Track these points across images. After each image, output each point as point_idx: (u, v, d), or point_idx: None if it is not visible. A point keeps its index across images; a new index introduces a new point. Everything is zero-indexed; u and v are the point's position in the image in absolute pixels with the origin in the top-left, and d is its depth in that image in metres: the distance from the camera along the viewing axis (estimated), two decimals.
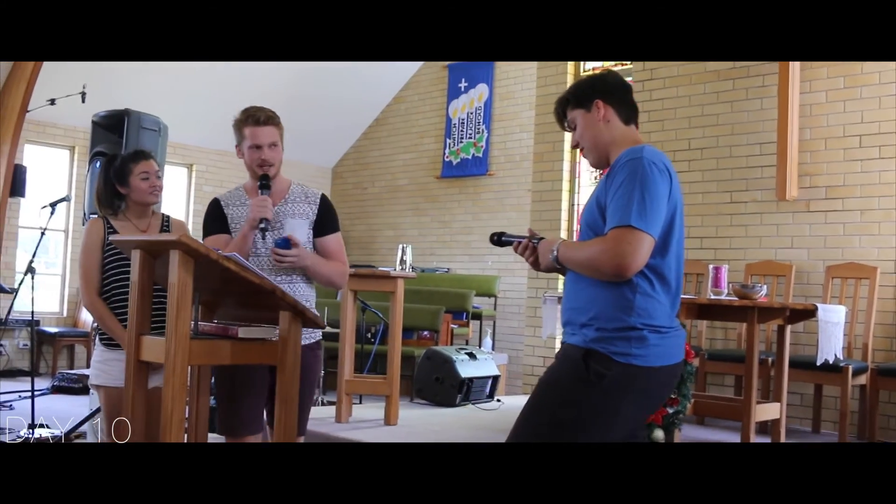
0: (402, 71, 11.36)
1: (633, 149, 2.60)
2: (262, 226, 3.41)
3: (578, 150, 2.79)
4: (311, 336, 3.55)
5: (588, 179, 8.75)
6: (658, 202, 2.50)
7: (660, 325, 2.56)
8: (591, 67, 9.04)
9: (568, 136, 8.58)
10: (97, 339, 3.87)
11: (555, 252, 2.66)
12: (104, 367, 3.79)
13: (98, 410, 4.32)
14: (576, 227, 8.65)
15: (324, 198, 3.66)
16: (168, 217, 4.01)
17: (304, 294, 3.54)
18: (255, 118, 3.48)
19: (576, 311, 2.63)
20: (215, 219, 3.59)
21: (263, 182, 3.48)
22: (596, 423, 2.53)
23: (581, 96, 2.73)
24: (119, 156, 3.97)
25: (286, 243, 3.41)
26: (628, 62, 8.57)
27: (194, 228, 8.42)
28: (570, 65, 8.72)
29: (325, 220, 3.61)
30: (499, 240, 2.93)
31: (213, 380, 3.62)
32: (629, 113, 2.74)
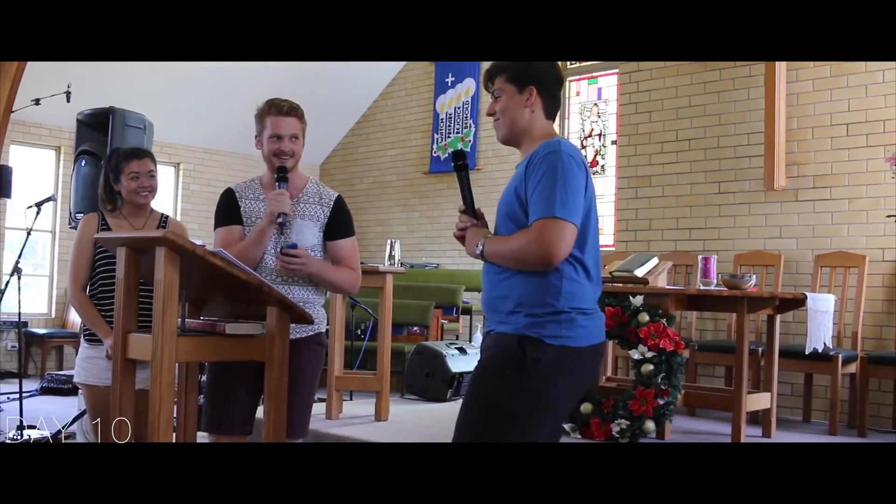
0: (388, 67, 11.32)
1: (551, 142, 2.66)
2: (280, 220, 3.29)
3: (492, 119, 2.82)
4: (305, 330, 3.43)
5: None
6: (577, 193, 2.57)
7: (585, 308, 2.63)
8: (576, 64, 9.04)
9: (557, 126, 8.63)
10: (82, 336, 3.86)
11: (480, 246, 2.73)
12: (86, 364, 3.79)
13: (86, 411, 4.30)
14: None
15: (339, 200, 3.53)
16: (167, 217, 3.97)
17: (301, 297, 3.42)
18: (278, 107, 3.38)
19: (501, 299, 2.67)
20: (229, 208, 3.45)
21: (280, 174, 3.35)
22: (540, 408, 2.58)
23: (519, 75, 2.76)
24: (117, 150, 3.95)
25: (292, 248, 3.30)
26: None
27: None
28: None
29: (338, 224, 3.49)
30: (459, 168, 2.89)
31: (202, 377, 3.59)
32: (553, 109, 2.82)
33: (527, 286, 2.61)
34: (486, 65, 2.87)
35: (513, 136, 2.80)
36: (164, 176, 11.14)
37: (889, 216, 6.18)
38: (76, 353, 3.99)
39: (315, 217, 3.46)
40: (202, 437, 3.60)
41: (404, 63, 11.23)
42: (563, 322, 2.58)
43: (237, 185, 3.53)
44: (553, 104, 2.81)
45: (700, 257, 5.56)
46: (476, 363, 2.78)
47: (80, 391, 5.10)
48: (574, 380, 2.66)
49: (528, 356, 2.56)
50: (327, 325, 3.84)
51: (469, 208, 2.86)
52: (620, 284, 5.53)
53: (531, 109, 2.76)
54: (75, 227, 5.69)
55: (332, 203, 3.50)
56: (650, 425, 5.10)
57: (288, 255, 3.28)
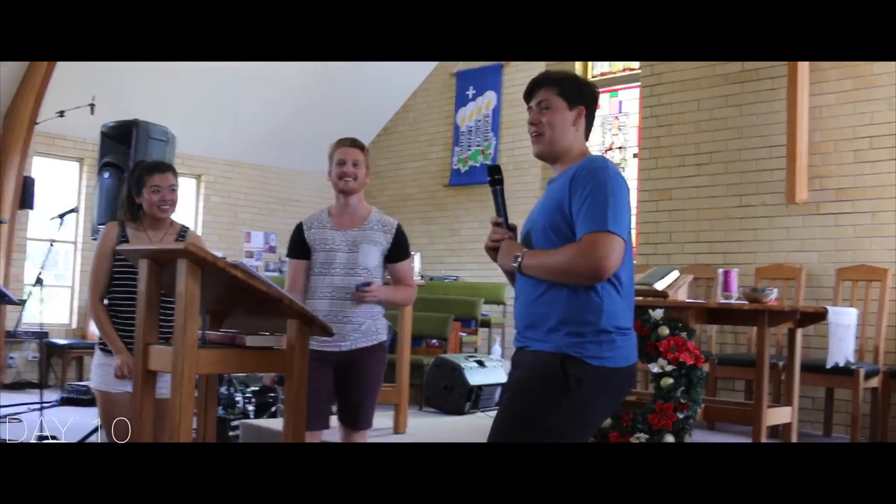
0: (409, 79, 11.36)
1: (596, 158, 2.72)
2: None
3: (531, 130, 2.83)
4: (370, 339, 3.98)
5: None
6: (625, 211, 2.62)
7: (624, 327, 2.67)
8: (598, 72, 9.04)
9: None
10: (96, 343, 3.90)
11: (519, 259, 2.71)
12: (99, 370, 3.85)
13: None
14: None
15: (399, 228, 4.07)
16: (186, 229, 4.02)
17: (369, 310, 3.96)
18: (343, 141, 3.97)
19: (540, 315, 2.67)
20: (296, 242, 3.98)
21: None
22: (579, 426, 2.65)
23: (572, 92, 2.79)
24: (140, 163, 4.01)
25: (366, 286, 3.84)
26: (636, 66, 8.56)
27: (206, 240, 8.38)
28: (578, 68, 8.70)
29: (398, 249, 4.03)
30: (494, 182, 2.89)
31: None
32: (590, 130, 2.87)
33: (568, 303, 2.62)
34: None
35: (553, 153, 2.81)
36: (186, 188, 11.19)
37: None
38: None
39: (378, 242, 3.97)
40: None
41: (425, 76, 11.27)
42: (604, 343, 2.61)
43: (307, 218, 4.05)
44: (591, 126, 2.86)
45: (721, 271, 5.52)
46: (509, 379, 2.79)
47: None
48: (610, 399, 2.71)
49: (570, 376, 2.58)
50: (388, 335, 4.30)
51: (504, 221, 2.86)
52: (640, 297, 5.51)
53: (576, 128, 2.79)
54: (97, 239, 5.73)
55: (393, 230, 4.04)
56: (669, 439, 5.07)
57: (363, 292, 3.83)
